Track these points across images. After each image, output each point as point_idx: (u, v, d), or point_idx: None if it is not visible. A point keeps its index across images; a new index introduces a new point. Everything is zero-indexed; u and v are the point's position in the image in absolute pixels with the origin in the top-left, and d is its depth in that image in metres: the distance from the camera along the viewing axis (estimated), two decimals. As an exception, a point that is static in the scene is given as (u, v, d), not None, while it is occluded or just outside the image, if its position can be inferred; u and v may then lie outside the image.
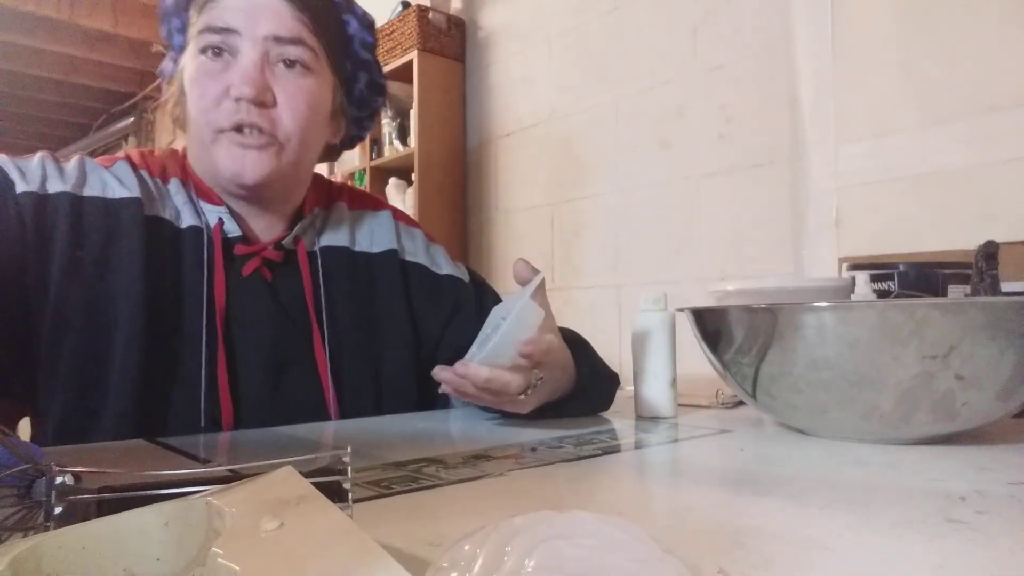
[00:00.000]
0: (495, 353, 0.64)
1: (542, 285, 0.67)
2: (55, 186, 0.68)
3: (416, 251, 0.89)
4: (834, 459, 0.55)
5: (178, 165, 0.78)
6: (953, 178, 1.39)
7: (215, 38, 0.70)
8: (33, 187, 0.66)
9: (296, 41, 0.71)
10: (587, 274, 2.22)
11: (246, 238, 0.77)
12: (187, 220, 0.74)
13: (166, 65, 0.79)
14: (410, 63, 2.60)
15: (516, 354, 0.63)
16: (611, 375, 0.84)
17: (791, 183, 1.70)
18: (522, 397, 0.66)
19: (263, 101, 0.70)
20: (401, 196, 2.71)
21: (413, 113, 2.62)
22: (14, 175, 0.66)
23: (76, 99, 5.06)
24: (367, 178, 2.81)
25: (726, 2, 1.85)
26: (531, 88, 2.47)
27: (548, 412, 0.74)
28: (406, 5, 2.67)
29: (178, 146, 0.81)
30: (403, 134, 2.76)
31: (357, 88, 0.84)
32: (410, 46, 2.60)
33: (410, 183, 2.69)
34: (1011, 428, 0.67)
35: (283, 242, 0.78)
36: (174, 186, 0.76)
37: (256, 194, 0.76)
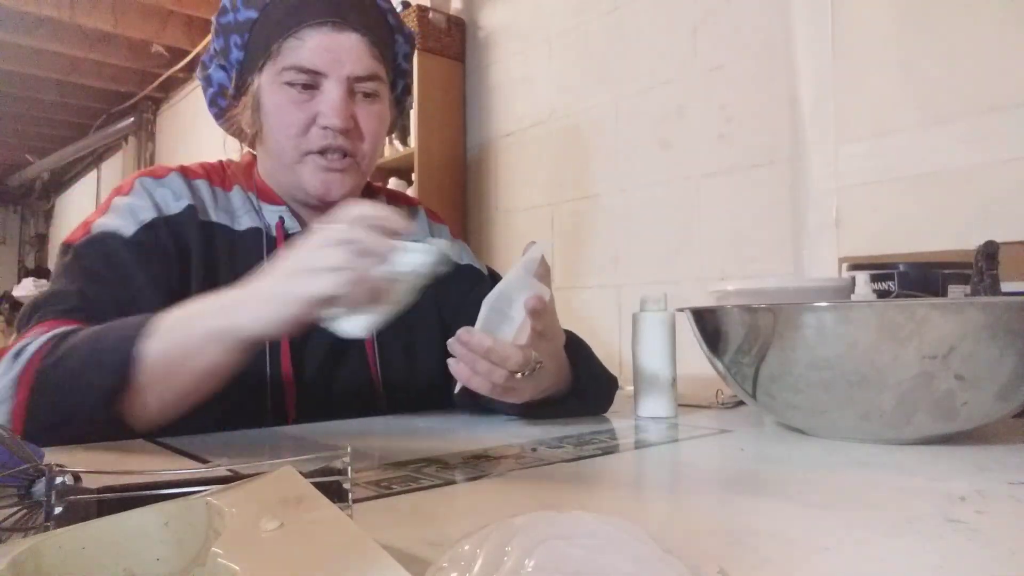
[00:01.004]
0: (492, 316, 0.62)
1: (542, 263, 0.65)
2: (148, 215, 0.75)
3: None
4: (834, 459, 0.55)
5: (242, 174, 0.85)
6: (953, 178, 1.39)
7: (302, 77, 0.77)
8: (141, 220, 0.75)
9: (373, 77, 0.79)
10: (587, 274, 2.22)
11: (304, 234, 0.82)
12: (246, 223, 0.81)
13: (214, 73, 0.83)
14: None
15: (516, 329, 0.62)
16: (609, 377, 0.84)
17: (791, 183, 1.70)
18: (519, 376, 0.64)
19: (349, 129, 0.78)
20: (401, 196, 2.71)
21: (413, 113, 2.62)
22: (122, 228, 0.74)
23: (76, 99, 5.05)
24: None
25: (726, 2, 1.85)
26: (531, 88, 2.47)
27: (546, 412, 0.74)
28: (406, 5, 2.67)
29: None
30: (403, 134, 2.76)
31: (395, 94, 0.90)
32: (410, 46, 2.60)
33: (410, 183, 2.69)
34: (1011, 428, 0.67)
35: None
36: (236, 192, 0.83)
37: (333, 206, 0.83)
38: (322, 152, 0.78)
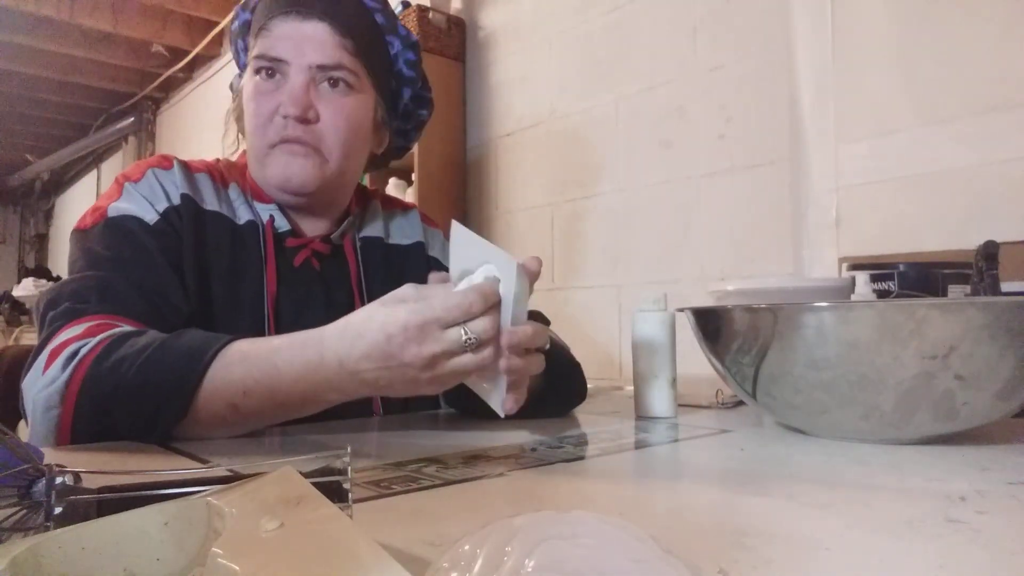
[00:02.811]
0: (518, 309, 0.56)
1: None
2: (163, 205, 0.77)
3: (435, 247, 0.96)
4: (834, 459, 0.55)
5: (238, 172, 0.86)
6: (953, 178, 1.39)
7: (266, 63, 0.79)
8: (159, 210, 0.76)
9: (337, 67, 0.79)
10: (587, 274, 2.22)
11: (294, 233, 0.85)
12: (244, 217, 0.82)
13: (235, 81, 0.88)
14: (410, 63, 2.60)
15: (526, 293, 0.56)
16: (575, 363, 0.85)
17: (791, 183, 1.70)
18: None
19: (307, 118, 0.78)
20: (401, 196, 2.71)
21: (413, 113, 2.62)
22: (142, 213, 0.75)
23: (76, 99, 5.05)
24: (367, 178, 2.81)
25: (726, 2, 1.85)
26: (531, 88, 2.47)
27: (527, 411, 0.71)
28: (406, 5, 2.67)
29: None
30: (403, 134, 2.76)
31: (401, 103, 0.91)
32: (410, 46, 2.60)
33: (410, 183, 2.68)
34: (1011, 428, 0.67)
35: (331, 236, 0.86)
36: (233, 188, 0.84)
37: (304, 199, 0.83)
38: (283, 142, 0.79)
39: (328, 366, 0.57)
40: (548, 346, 0.60)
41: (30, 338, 4.41)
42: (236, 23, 0.84)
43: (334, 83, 0.79)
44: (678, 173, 1.97)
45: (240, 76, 0.86)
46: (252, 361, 0.60)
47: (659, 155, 2.02)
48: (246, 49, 0.84)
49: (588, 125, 2.25)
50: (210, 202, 0.81)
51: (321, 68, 0.78)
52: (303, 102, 0.77)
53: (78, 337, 0.64)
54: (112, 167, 5.85)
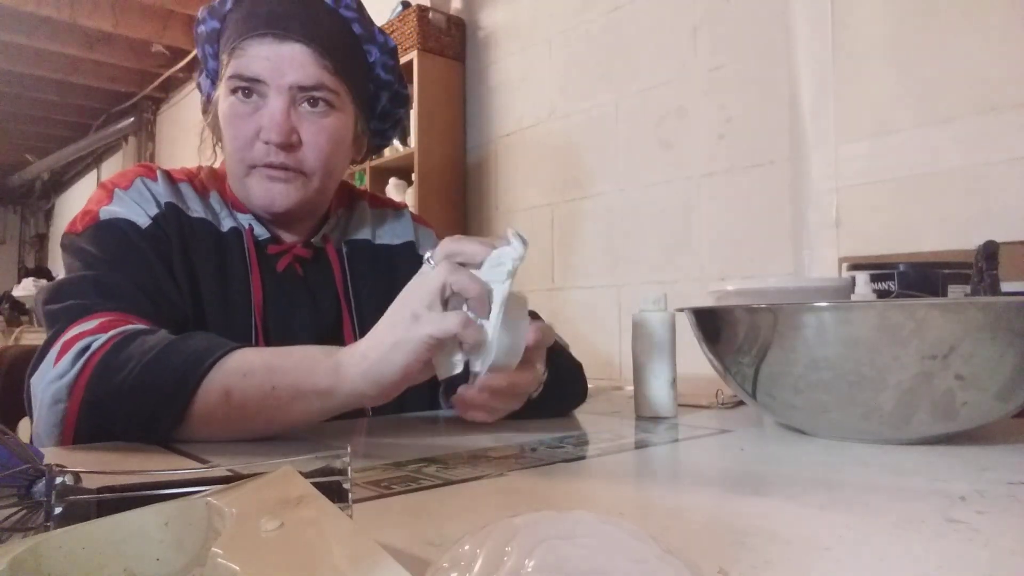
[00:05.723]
0: (501, 355, 0.58)
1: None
2: (153, 211, 0.77)
3: (426, 247, 0.94)
4: (834, 459, 0.55)
5: (219, 181, 0.86)
6: (953, 178, 1.39)
7: (244, 84, 0.76)
8: (150, 215, 0.77)
9: (318, 87, 0.77)
10: (587, 274, 2.22)
11: (274, 240, 0.84)
12: (227, 224, 0.82)
13: (203, 81, 0.86)
14: (410, 63, 2.60)
15: (519, 348, 0.59)
16: (577, 364, 0.85)
17: (791, 183, 1.70)
18: (535, 395, 0.66)
19: (289, 144, 0.77)
20: (401, 196, 2.71)
21: (413, 113, 2.62)
22: (134, 217, 0.75)
23: (76, 99, 5.05)
24: (367, 178, 2.81)
25: (726, 2, 1.85)
26: (531, 88, 2.47)
27: (527, 412, 0.71)
28: (406, 5, 2.67)
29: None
30: (403, 134, 2.76)
31: (380, 105, 0.89)
32: (410, 46, 2.60)
33: (410, 183, 2.68)
34: (1011, 428, 0.67)
35: (312, 240, 0.86)
36: (214, 197, 0.84)
37: (285, 218, 0.83)
38: (267, 167, 0.78)
39: (337, 352, 0.59)
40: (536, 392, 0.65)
41: (30, 338, 4.41)
42: (202, 27, 0.82)
43: (314, 102, 0.77)
44: (678, 173, 1.97)
45: (208, 80, 0.85)
46: (263, 352, 0.62)
47: (659, 155, 2.02)
48: (215, 55, 0.82)
49: (588, 125, 2.25)
50: (195, 209, 0.81)
51: (302, 89, 0.76)
52: (285, 128, 0.75)
53: (91, 332, 0.64)
54: (112, 167, 5.85)
